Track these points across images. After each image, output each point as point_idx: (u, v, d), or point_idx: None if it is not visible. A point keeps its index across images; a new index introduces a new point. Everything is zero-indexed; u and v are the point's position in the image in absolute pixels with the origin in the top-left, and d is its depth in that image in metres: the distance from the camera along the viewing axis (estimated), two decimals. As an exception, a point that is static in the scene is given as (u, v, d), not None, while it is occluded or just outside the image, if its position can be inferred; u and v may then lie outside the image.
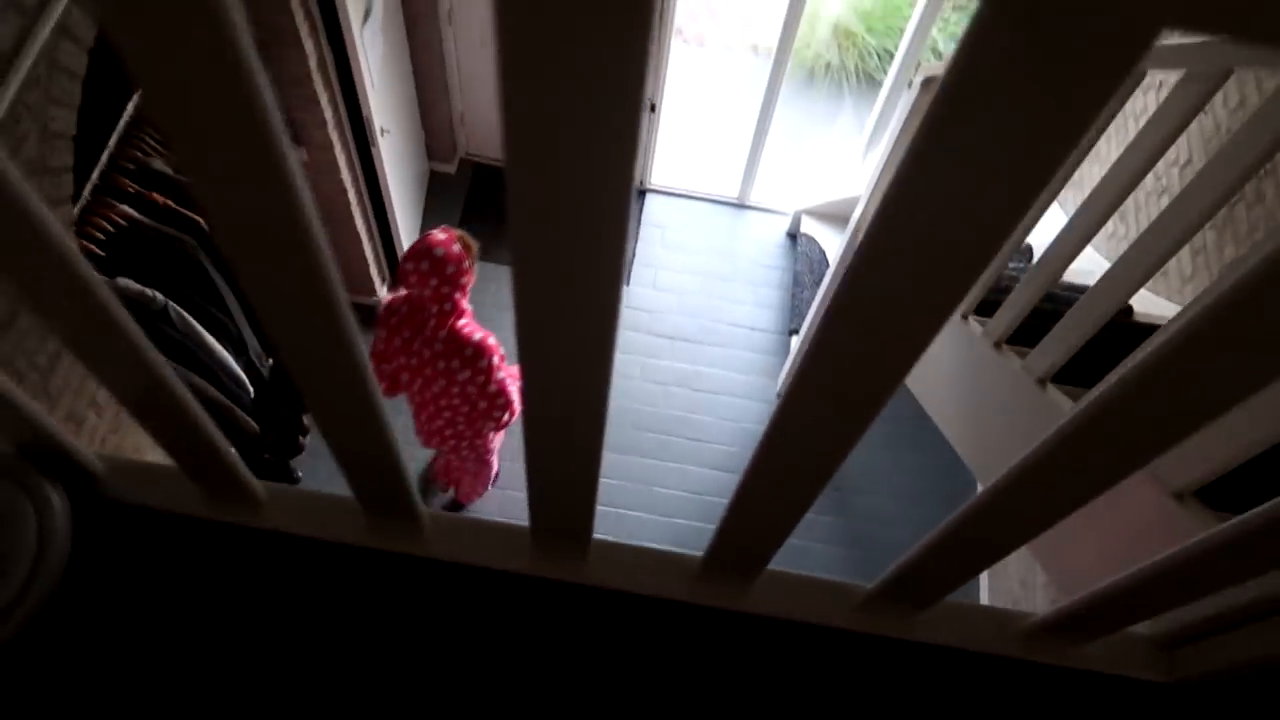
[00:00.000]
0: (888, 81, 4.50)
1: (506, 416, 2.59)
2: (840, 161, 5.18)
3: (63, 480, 0.83)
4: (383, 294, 4.11)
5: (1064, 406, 1.79)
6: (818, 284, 4.22)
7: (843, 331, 0.49)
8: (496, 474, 3.58)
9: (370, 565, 0.86)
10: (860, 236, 0.41)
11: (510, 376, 2.58)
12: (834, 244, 4.41)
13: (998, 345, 2.04)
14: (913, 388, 2.59)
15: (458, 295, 2.33)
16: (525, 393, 0.58)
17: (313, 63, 2.85)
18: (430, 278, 2.25)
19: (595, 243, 0.43)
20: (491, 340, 2.43)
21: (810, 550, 3.70)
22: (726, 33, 6.24)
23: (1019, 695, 0.87)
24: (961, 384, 2.23)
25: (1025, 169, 0.36)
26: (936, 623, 0.87)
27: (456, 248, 2.28)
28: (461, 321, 2.38)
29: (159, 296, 2.25)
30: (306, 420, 3.44)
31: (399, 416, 3.36)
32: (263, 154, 0.41)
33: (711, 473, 3.86)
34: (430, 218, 4.50)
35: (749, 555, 0.82)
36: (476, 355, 2.38)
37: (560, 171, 0.39)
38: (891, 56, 5.03)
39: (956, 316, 2.25)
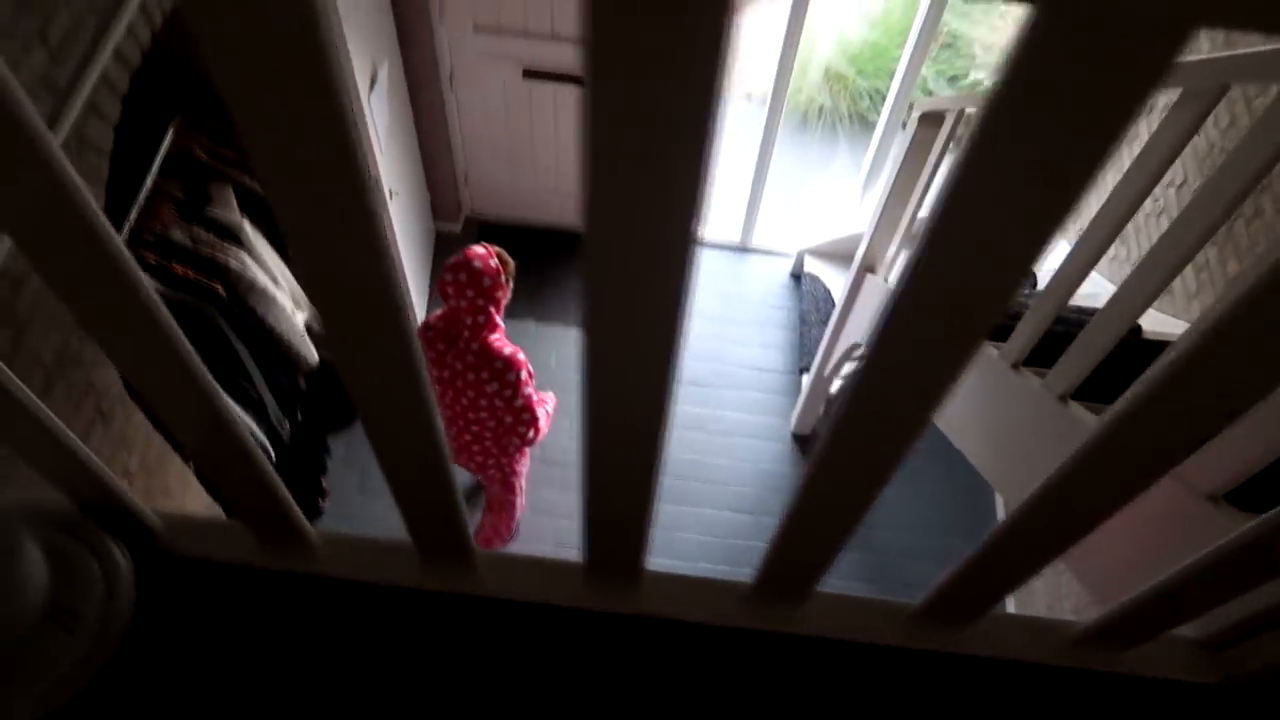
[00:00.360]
0: (881, 121, 4.59)
1: (532, 434, 2.65)
2: (839, 201, 5.25)
3: (122, 536, 0.85)
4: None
5: (1087, 420, 1.82)
6: (824, 322, 4.25)
7: (900, 337, 0.51)
8: (517, 526, 3.55)
9: (423, 605, 0.88)
10: (912, 255, 0.44)
11: (538, 397, 2.64)
12: (838, 282, 4.45)
13: (1015, 366, 2.07)
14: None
15: (492, 308, 2.46)
16: (587, 425, 0.60)
17: (323, 130, 2.93)
18: (467, 289, 2.40)
19: (664, 286, 0.47)
20: (521, 356, 2.51)
21: (832, 587, 3.67)
22: (719, 83, 6.39)
23: (1068, 703, 0.88)
24: (982, 404, 2.25)
25: (1067, 173, 0.39)
26: (983, 635, 0.88)
27: (494, 262, 2.44)
28: (494, 335, 2.48)
29: (182, 364, 2.29)
30: (325, 483, 3.46)
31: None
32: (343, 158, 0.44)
33: (730, 515, 3.85)
34: (437, 277, 4.55)
35: (799, 576, 0.84)
36: (505, 368, 2.47)
37: (633, 221, 0.43)
38: (883, 97, 5.14)
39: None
